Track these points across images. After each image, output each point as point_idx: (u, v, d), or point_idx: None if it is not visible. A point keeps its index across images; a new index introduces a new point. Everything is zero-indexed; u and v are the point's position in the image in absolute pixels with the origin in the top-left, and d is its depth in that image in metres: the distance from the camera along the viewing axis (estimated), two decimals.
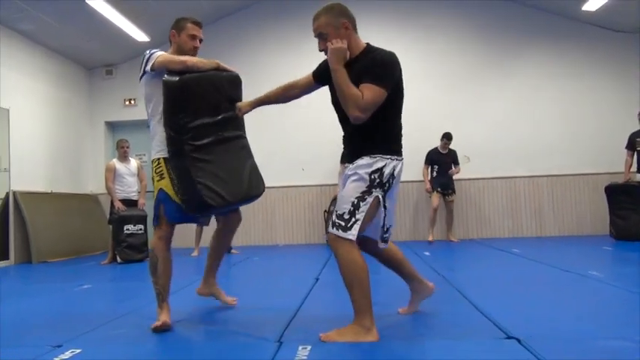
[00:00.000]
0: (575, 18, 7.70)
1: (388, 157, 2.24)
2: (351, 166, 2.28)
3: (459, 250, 6.17)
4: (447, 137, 7.19)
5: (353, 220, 2.16)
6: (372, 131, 2.25)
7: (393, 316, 2.63)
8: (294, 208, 7.90)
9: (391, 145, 2.29)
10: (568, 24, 7.80)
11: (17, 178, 6.50)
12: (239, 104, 2.66)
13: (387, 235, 2.34)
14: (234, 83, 2.75)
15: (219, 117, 2.63)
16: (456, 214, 7.44)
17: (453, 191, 7.23)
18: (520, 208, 7.70)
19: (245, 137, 2.82)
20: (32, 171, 6.89)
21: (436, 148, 7.27)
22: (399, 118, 2.34)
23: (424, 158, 7.26)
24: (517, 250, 5.70)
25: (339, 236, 2.17)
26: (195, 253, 6.46)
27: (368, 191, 2.19)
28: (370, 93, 2.15)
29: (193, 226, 6.59)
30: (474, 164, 7.67)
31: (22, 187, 6.57)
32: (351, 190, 2.21)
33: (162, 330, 2.46)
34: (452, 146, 7.27)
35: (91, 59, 8.11)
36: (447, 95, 7.90)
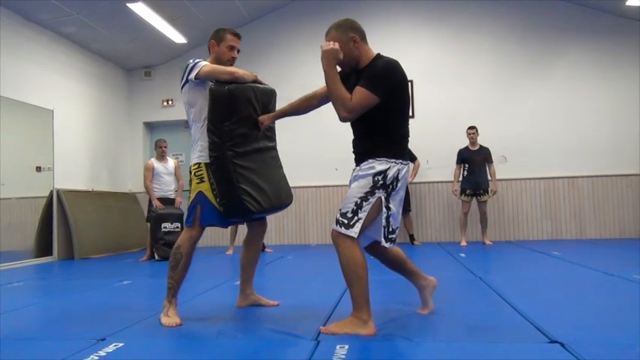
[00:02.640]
0: (618, 13, 7.45)
1: (393, 160, 2.34)
2: (357, 168, 2.40)
3: (496, 252, 6.05)
4: (470, 127, 6.98)
5: (356, 218, 2.28)
6: (377, 135, 2.35)
7: (432, 317, 2.60)
8: (327, 207, 7.90)
9: (396, 149, 2.37)
10: (610, 20, 7.55)
11: (60, 176, 6.73)
12: (261, 117, 2.74)
13: (392, 235, 2.40)
14: (271, 96, 2.87)
15: (257, 128, 2.75)
16: (491, 215, 7.29)
17: (485, 191, 6.91)
18: (559, 209, 7.50)
19: (276, 149, 2.94)
20: (74, 170, 7.12)
21: (466, 146, 7.12)
22: (405, 123, 2.43)
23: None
24: (557, 252, 5.56)
25: (341, 233, 2.29)
26: (229, 252, 6.55)
27: (371, 192, 2.30)
28: (359, 95, 2.27)
29: None
30: (512, 164, 7.51)
31: (65, 186, 6.80)
32: (355, 190, 2.32)
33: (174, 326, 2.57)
34: (488, 144, 7.11)
35: (130, 61, 8.32)
36: (482, 95, 7.76)
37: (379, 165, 2.31)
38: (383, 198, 2.31)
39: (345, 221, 2.29)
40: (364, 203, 2.29)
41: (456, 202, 7.52)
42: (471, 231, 7.27)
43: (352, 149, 2.50)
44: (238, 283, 3.07)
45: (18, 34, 6.22)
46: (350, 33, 2.38)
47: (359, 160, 2.42)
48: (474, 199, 6.94)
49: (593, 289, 3.44)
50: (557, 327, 2.25)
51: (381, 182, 2.30)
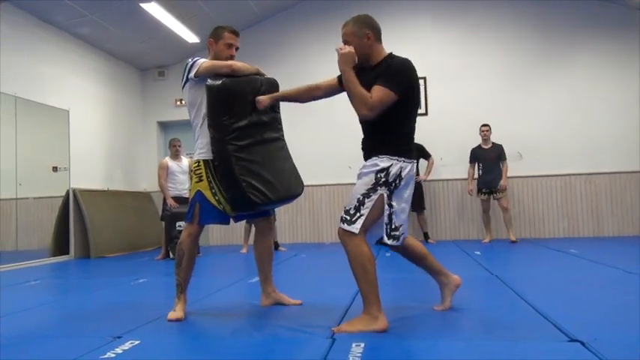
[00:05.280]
0: (635, 6, 7.32)
1: (395, 158, 2.36)
2: (362, 165, 2.44)
3: (512, 250, 5.99)
4: (484, 125, 6.94)
5: (358, 214, 2.32)
6: (382, 133, 2.39)
7: (449, 315, 2.58)
8: (340, 206, 7.85)
9: (399, 147, 2.39)
10: (627, 13, 7.41)
11: (76, 176, 6.79)
12: (259, 97, 2.70)
13: (396, 232, 2.42)
14: (272, 87, 2.84)
15: (259, 119, 2.73)
16: (518, 212, 7.19)
17: (500, 187, 6.82)
18: (576, 207, 7.40)
19: (283, 139, 2.91)
20: (90, 169, 7.19)
21: (479, 145, 7.06)
22: (411, 122, 2.46)
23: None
24: (574, 250, 5.48)
25: (345, 230, 2.34)
26: (243, 250, 6.56)
27: (373, 189, 2.34)
28: (379, 94, 2.30)
29: (241, 223, 6.70)
30: (527, 162, 7.42)
31: (81, 185, 6.86)
32: (359, 187, 2.37)
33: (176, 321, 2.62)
34: (504, 142, 7.03)
35: (144, 61, 8.37)
36: (497, 92, 7.68)
37: (382, 162, 2.35)
38: (385, 195, 2.34)
39: (348, 217, 2.34)
40: (366, 200, 2.33)
41: (471, 200, 7.46)
42: (496, 229, 7.22)
43: (361, 147, 2.53)
44: (253, 281, 3.07)
45: (34, 36, 6.30)
46: (366, 29, 2.41)
47: (365, 159, 2.46)
48: (492, 196, 6.88)
49: (612, 287, 3.37)
50: (576, 325, 2.21)
51: (383, 179, 2.34)
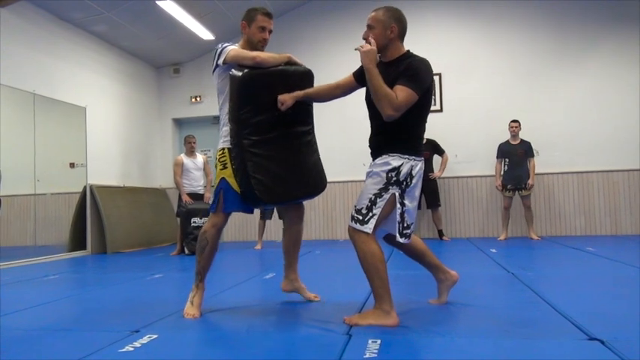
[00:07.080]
0: None
1: (406, 156, 2.35)
2: (372, 163, 2.43)
3: (528, 248, 5.93)
4: (513, 121, 6.89)
5: (370, 214, 2.33)
6: (394, 131, 2.37)
7: (465, 312, 2.56)
8: (354, 203, 7.85)
9: (410, 145, 2.39)
10: None
11: (93, 172, 6.87)
12: (281, 97, 2.62)
13: (407, 231, 2.43)
14: (305, 78, 2.75)
15: (284, 113, 2.64)
16: (523, 211, 7.14)
17: (527, 185, 6.79)
18: (594, 204, 7.30)
19: (312, 133, 2.83)
20: (106, 166, 7.26)
21: (507, 140, 6.99)
22: (424, 121, 2.46)
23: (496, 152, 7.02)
24: (592, 248, 5.41)
25: (356, 229, 2.35)
26: (258, 247, 6.59)
27: (385, 188, 2.33)
28: (404, 94, 2.26)
29: (256, 219, 6.73)
30: (544, 158, 7.33)
31: (98, 181, 6.94)
32: (370, 186, 2.36)
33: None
34: (523, 138, 6.96)
35: (159, 58, 8.43)
36: (513, 87, 7.60)
37: (393, 161, 2.34)
38: (397, 194, 2.34)
39: (360, 217, 2.34)
40: (378, 199, 2.33)
41: (486, 196, 7.41)
42: (517, 227, 7.17)
43: (368, 145, 2.51)
44: (268, 277, 3.07)
45: (52, 34, 6.37)
46: (393, 22, 2.39)
47: (374, 156, 2.45)
48: (517, 193, 6.83)
49: (631, 285, 3.32)
50: (595, 324, 2.19)
51: (394, 179, 2.33)
